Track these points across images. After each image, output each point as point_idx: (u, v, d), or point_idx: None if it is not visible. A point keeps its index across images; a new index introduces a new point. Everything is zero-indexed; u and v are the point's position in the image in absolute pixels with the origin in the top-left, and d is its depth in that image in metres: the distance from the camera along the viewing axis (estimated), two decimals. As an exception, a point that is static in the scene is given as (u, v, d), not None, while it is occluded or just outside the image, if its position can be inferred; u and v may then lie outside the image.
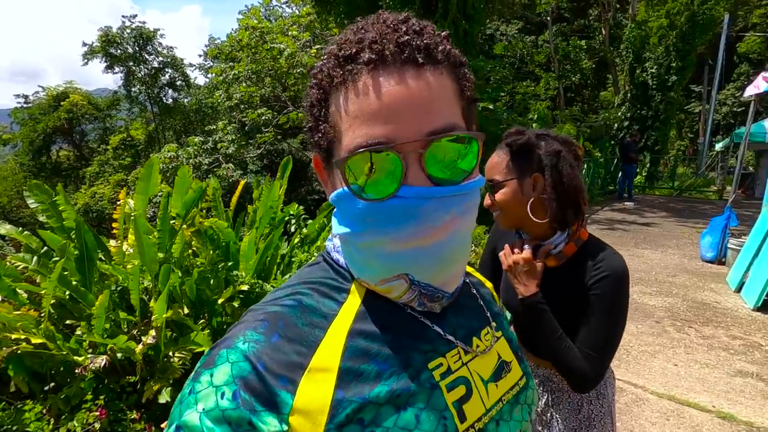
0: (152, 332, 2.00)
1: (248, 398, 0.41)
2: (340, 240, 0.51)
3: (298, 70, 11.55)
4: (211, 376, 0.42)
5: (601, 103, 21.88)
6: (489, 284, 0.72)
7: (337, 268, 0.54)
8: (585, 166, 11.16)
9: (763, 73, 4.38)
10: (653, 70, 13.46)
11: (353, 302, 0.51)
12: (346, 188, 0.45)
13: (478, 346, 0.56)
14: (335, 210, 0.52)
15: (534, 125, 9.03)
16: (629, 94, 14.18)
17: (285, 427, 0.41)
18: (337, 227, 0.50)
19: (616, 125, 14.59)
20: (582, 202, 1.10)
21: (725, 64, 16.02)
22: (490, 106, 8.51)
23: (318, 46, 12.58)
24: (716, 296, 4.59)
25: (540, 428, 1.22)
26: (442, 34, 0.47)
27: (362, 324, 0.49)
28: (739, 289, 4.64)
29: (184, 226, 2.43)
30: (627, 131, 13.63)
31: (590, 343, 1.03)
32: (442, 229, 0.44)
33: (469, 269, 0.68)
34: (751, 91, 4.63)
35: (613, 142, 14.07)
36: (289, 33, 12.25)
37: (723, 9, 13.25)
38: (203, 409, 0.40)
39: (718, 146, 14.69)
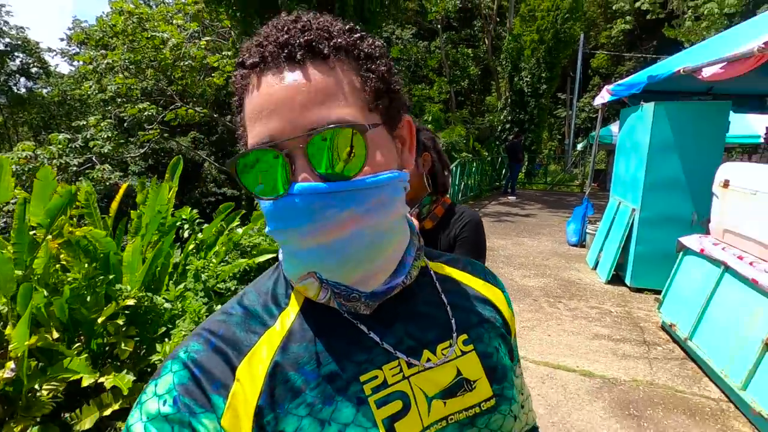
0: (10, 364, 1.72)
1: (187, 402, 0.43)
2: None
3: (186, 63, 10.66)
4: (156, 386, 0.45)
5: (487, 107, 24.06)
6: (493, 294, 0.62)
7: (284, 273, 0.53)
8: (474, 164, 12.21)
9: (606, 86, 5.25)
10: (528, 79, 15.22)
11: (292, 308, 0.51)
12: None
13: (428, 360, 0.51)
14: None
15: (429, 126, 9.58)
16: (509, 100, 15.84)
17: (221, 430, 0.43)
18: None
19: (500, 127, 16.19)
20: (449, 172, 1.42)
21: (582, 76, 18.77)
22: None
23: (208, 38, 11.74)
24: (579, 274, 5.41)
25: None
26: (344, 27, 0.46)
27: (297, 331, 0.49)
28: (595, 267, 5.51)
29: (49, 237, 2.13)
30: (509, 132, 15.22)
31: None
32: (340, 227, 0.43)
33: (462, 276, 0.62)
34: (599, 100, 5.53)
35: (498, 142, 15.61)
36: (174, 22, 11.23)
37: (579, 29, 15.51)
38: (147, 416, 0.43)
39: (579, 147, 17.36)
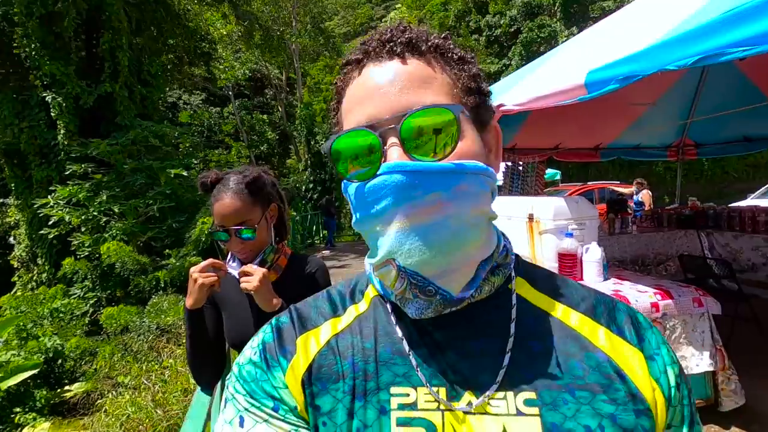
0: None
1: (267, 356, 0.50)
2: None
3: None
4: (253, 341, 0.53)
5: (289, 169, 24.82)
6: (621, 353, 0.46)
7: (369, 273, 0.53)
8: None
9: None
10: (323, 142, 16.53)
11: (363, 304, 0.54)
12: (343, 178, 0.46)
13: (469, 404, 0.43)
14: None
15: (233, 190, 9.19)
16: (309, 162, 16.77)
17: (285, 383, 0.48)
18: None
19: (303, 187, 16.83)
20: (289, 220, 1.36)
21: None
22: (184, 173, 8.11)
23: None
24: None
25: None
26: (440, 34, 0.50)
27: (357, 325, 0.51)
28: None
29: None
30: (313, 192, 15.96)
31: None
32: (425, 211, 0.42)
33: (569, 316, 0.48)
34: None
35: (303, 201, 16.13)
36: None
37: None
38: (243, 359, 0.51)
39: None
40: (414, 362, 0.46)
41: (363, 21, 32.11)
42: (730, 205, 5.82)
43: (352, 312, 0.53)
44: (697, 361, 2.29)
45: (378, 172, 0.43)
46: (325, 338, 0.51)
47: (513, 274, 0.51)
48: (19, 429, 5.30)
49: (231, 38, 16.84)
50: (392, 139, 0.43)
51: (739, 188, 17.06)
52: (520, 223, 3.11)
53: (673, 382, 0.45)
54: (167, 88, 13.36)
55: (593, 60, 2.27)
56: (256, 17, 15.85)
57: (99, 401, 5.00)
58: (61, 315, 6.97)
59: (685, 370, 2.05)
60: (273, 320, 0.55)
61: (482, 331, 0.47)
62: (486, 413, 0.43)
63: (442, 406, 0.44)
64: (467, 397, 0.44)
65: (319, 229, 14.87)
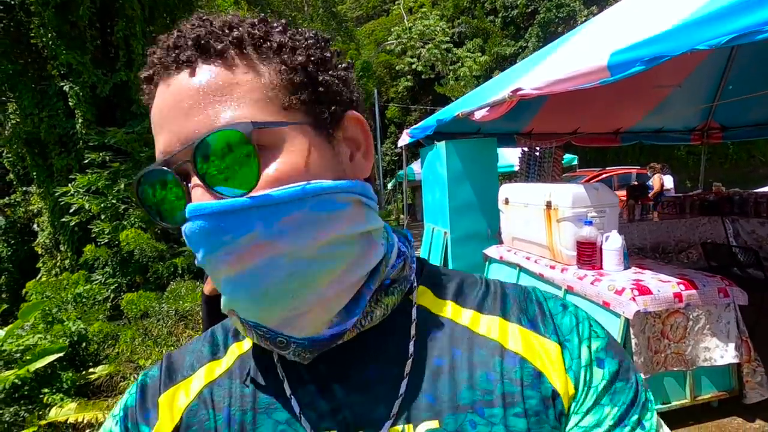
0: None
1: (127, 425, 0.43)
2: None
3: None
4: (117, 404, 0.46)
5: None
6: (535, 351, 0.41)
7: None
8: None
9: (406, 130, 6.03)
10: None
11: (245, 344, 0.46)
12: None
13: None
14: None
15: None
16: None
17: None
18: None
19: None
20: None
21: (381, 125, 21.41)
22: (199, 161, 8.17)
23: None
24: (413, 299, 5.87)
25: None
26: (254, 20, 0.39)
27: (237, 367, 0.44)
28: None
29: None
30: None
31: None
32: (243, 257, 0.34)
33: (478, 322, 0.43)
34: (401, 142, 6.31)
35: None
36: None
37: (372, 86, 17.78)
38: (103, 430, 0.44)
39: (389, 186, 19.49)
40: (296, 407, 0.40)
41: (375, 4, 31.56)
42: (756, 191, 5.61)
43: (234, 351, 0.46)
44: (722, 353, 2.22)
45: (186, 214, 0.35)
46: (197, 389, 0.44)
47: (415, 283, 0.44)
48: (48, 409, 5.53)
49: (243, 24, 16.77)
50: (192, 174, 0.36)
51: (766, 173, 16.47)
52: (538, 210, 3.04)
53: (584, 362, 0.40)
54: (181, 76, 13.43)
55: (616, 41, 2.17)
56: (268, 2, 15.72)
57: (122, 383, 5.18)
58: (84, 300, 7.18)
59: (707, 362, 1.96)
60: (141, 375, 0.47)
61: (377, 355, 0.41)
62: None
63: None
64: None
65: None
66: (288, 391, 0.41)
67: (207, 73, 0.36)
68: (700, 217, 4.82)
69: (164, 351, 5.18)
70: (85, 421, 5.13)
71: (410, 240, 0.49)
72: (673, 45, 1.78)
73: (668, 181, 8.31)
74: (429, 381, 0.40)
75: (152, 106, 0.39)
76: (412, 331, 0.41)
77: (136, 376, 4.95)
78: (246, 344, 0.46)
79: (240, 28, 0.38)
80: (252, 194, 0.35)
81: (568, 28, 18.64)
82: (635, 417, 0.38)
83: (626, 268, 2.53)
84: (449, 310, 0.44)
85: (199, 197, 0.35)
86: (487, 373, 0.39)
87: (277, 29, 0.40)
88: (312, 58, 0.39)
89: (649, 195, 7.10)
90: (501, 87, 3.47)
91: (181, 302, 5.73)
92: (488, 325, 0.42)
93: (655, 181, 8.00)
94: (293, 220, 0.35)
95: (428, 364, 0.40)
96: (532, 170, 5.71)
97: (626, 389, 0.39)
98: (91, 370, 6.26)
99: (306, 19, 17.74)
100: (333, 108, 0.41)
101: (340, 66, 0.43)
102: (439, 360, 0.41)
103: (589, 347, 0.40)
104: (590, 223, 2.57)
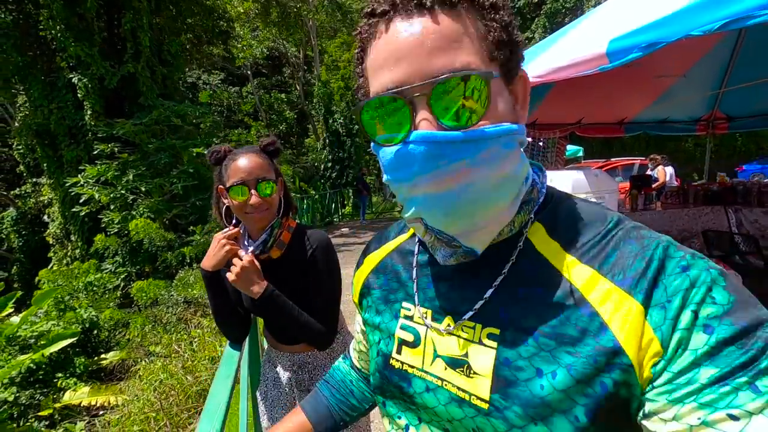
0: None
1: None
2: None
3: None
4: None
5: (308, 148, 24.94)
6: (611, 307, 0.43)
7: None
8: (305, 203, 12.38)
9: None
10: (341, 121, 16.46)
11: (402, 238, 0.67)
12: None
13: (448, 326, 0.53)
14: None
15: (253, 169, 9.33)
16: (327, 140, 16.79)
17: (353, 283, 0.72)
18: None
19: (322, 166, 16.92)
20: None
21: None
22: (205, 152, 8.27)
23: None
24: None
25: None
26: None
27: (396, 252, 0.66)
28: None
29: None
30: (332, 171, 16.05)
31: (320, 304, 1.19)
32: (451, 179, 0.43)
33: (571, 266, 0.47)
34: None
35: (322, 180, 16.25)
36: None
37: (377, 77, 17.69)
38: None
39: (394, 178, 19.51)
40: (415, 287, 0.59)
41: (381, -5, 31.28)
42: (760, 180, 5.61)
43: (399, 241, 0.67)
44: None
45: (407, 140, 0.44)
46: (375, 260, 0.69)
47: (532, 217, 0.52)
48: (62, 392, 5.70)
49: (248, 16, 16.75)
50: (422, 106, 0.43)
51: (774, 164, 16.28)
52: (538, 197, 3.10)
53: (683, 325, 0.40)
54: (186, 68, 13.49)
55: (615, 28, 2.21)
56: (273, -7, 15.69)
57: (133, 368, 5.33)
58: (94, 288, 7.35)
59: None
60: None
61: (482, 269, 0.52)
62: (456, 336, 0.52)
63: (428, 322, 0.55)
64: (447, 320, 0.54)
65: (338, 207, 14.99)
66: (414, 276, 0.60)
67: (446, 19, 0.43)
68: (703, 207, 4.83)
69: (174, 337, 5.31)
70: (98, 404, 5.30)
71: (543, 170, 0.57)
72: (669, 31, 1.81)
73: (668, 172, 8.31)
74: (508, 301, 0.49)
75: (378, 39, 0.46)
76: (513, 257, 0.50)
77: (146, 361, 5.08)
78: (402, 238, 0.67)
79: None
80: (469, 129, 0.43)
81: (575, 18, 18.46)
82: (742, 379, 0.37)
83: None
84: (552, 250, 0.49)
85: (426, 127, 0.43)
86: (557, 313, 0.46)
87: None
88: (509, 20, 0.47)
89: (654, 186, 7.11)
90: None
91: (189, 290, 5.85)
92: (580, 274, 0.46)
93: (660, 173, 7.99)
94: (490, 152, 0.44)
95: (513, 289, 0.50)
96: (535, 160, 5.74)
97: (738, 353, 0.37)
98: (103, 355, 6.42)
99: (311, 10, 17.71)
100: (517, 66, 0.49)
101: (517, 25, 0.49)
102: (522, 289, 0.49)
103: (696, 312, 0.40)
104: (589, 208, 2.63)
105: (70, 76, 8.08)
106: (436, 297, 0.55)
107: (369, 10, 0.47)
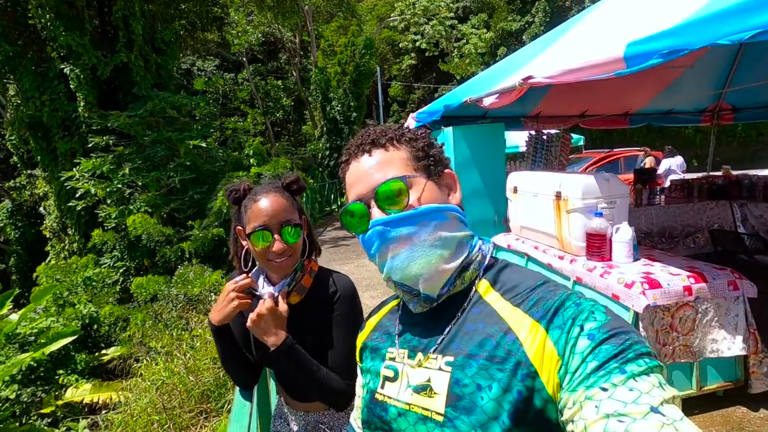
0: None
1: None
2: None
3: None
4: None
5: (305, 136, 24.67)
6: (527, 331, 0.60)
7: None
8: (305, 194, 12.27)
9: (411, 114, 5.95)
10: (338, 108, 16.23)
11: (393, 303, 0.84)
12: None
13: (420, 360, 0.69)
14: None
15: (252, 160, 9.21)
16: (325, 128, 16.58)
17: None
18: None
19: (320, 155, 16.74)
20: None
21: (384, 104, 21.11)
22: (203, 144, 8.13)
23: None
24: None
25: None
26: (395, 127, 0.75)
27: (387, 315, 0.83)
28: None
29: None
30: (329, 159, 15.87)
31: (338, 359, 1.10)
32: (399, 245, 0.66)
33: (503, 307, 0.65)
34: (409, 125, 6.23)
35: (320, 169, 16.07)
36: None
37: (375, 63, 17.41)
38: None
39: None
40: (397, 335, 0.76)
41: (378, -23, 30.59)
42: (766, 173, 5.54)
43: (392, 304, 0.84)
44: (729, 345, 2.24)
45: (369, 227, 0.68)
46: (374, 323, 0.84)
47: (481, 275, 0.71)
48: (63, 389, 5.69)
49: (243, 0, 16.34)
50: (372, 205, 0.68)
51: (774, 151, 16.23)
52: (547, 200, 3.03)
53: (573, 336, 0.55)
54: (180, 54, 13.18)
55: (633, 30, 2.10)
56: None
57: (134, 366, 5.31)
58: (93, 283, 7.29)
59: (714, 354, 1.98)
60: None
61: (443, 315, 0.70)
62: (423, 367, 0.68)
63: (404, 360, 0.71)
64: (419, 356, 0.69)
65: (337, 197, 14.88)
66: (397, 327, 0.76)
67: (378, 154, 0.71)
68: (708, 202, 4.76)
69: (175, 334, 5.28)
70: (100, 402, 5.29)
71: (489, 243, 0.75)
72: (694, 38, 1.72)
73: (676, 163, 8.18)
74: (459, 336, 0.66)
75: (347, 172, 0.73)
76: (464, 306, 0.69)
77: (148, 359, 5.06)
78: (391, 304, 0.84)
79: (390, 133, 0.72)
80: (404, 212, 0.66)
81: (575, 3, 18.07)
82: (614, 365, 0.50)
83: (635, 260, 2.53)
84: (493, 297, 0.67)
85: (377, 215, 0.67)
86: (492, 341, 0.62)
87: (407, 133, 0.73)
88: (425, 143, 0.73)
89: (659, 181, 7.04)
90: (510, 72, 3.40)
91: (190, 287, 5.80)
92: (510, 313, 0.64)
93: (648, 164, 7.92)
94: (422, 223, 0.66)
95: (464, 327, 0.67)
96: (539, 154, 5.64)
97: (611, 349, 0.51)
98: (103, 351, 6.39)
99: (307, -6, 17.29)
100: (437, 167, 0.73)
101: (437, 146, 0.76)
102: (470, 326, 0.66)
103: (582, 326, 0.55)
104: (600, 214, 2.55)
105: (62, 66, 7.87)
106: (411, 339, 0.72)
107: (341, 160, 0.76)
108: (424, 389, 0.65)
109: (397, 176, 0.67)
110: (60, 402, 5.46)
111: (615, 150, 9.39)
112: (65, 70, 7.85)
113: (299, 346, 1.06)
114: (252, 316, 1.03)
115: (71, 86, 7.93)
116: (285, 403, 1.27)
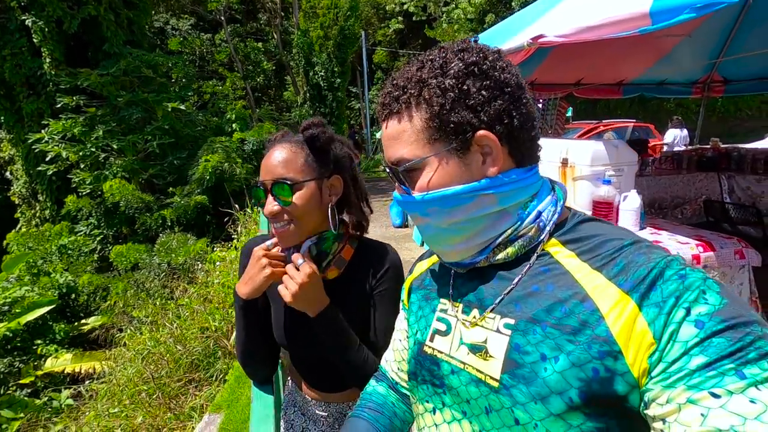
0: None
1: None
2: None
3: None
4: None
5: (286, 103, 23.87)
6: (612, 303, 0.50)
7: None
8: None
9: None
10: (322, 74, 15.66)
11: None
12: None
13: (475, 317, 0.63)
14: None
15: (234, 125, 8.83)
16: (308, 95, 16.03)
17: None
18: None
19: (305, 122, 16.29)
20: (368, 205, 1.06)
21: (368, 70, 20.48)
22: (181, 107, 7.71)
23: None
24: (411, 253, 5.87)
25: None
26: (428, 67, 0.60)
27: (438, 264, 0.76)
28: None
29: None
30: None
31: (380, 342, 0.99)
32: (418, 222, 0.66)
33: (582, 271, 0.55)
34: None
35: (304, 137, 15.69)
36: None
37: (359, 27, 16.74)
38: None
39: (377, 135, 18.97)
40: (451, 286, 0.69)
41: (363, -66, 29.06)
42: (754, 146, 5.63)
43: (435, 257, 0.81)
44: (730, 312, 2.27)
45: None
46: (426, 267, 0.80)
47: (544, 238, 0.60)
48: (42, 359, 5.53)
49: (219, -47, 15.27)
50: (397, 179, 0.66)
51: (751, 126, 16.62)
52: (552, 167, 2.95)
53: (676, 320, 0.46)
54: (153, 11, 12.34)
55: (660, -18, 1.98)
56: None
57: (118, 335, 5.17)
58: (69, 252, 6.99)
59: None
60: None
61: (499, 275, 0.63)
62: (479, 326, 0.62)
63: (458, 315, 0.66)
64: (474, 312, 0.64)
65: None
66: (451, 279, 0.70)
67: (391, 126, 0.63)
68: (697, 173, 4.82)
69: (159, 303, 5.13)
70: (83, 372, 5.16)
71: (558, 207, 0.62)
72: (732, -11, 1.61)
73: (681, 135, 8.22)
74: (523, 297, 0.58)
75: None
76: (528, 267, 0.60)
77: (132, 329, 4.92)
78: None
79: (410, 86, 0.60)
80: (413, 194, 0.62)
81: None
82: (729, 366, 0.42)
83: (642, 228, 2.50)
84: (567, 258, 0.58)
85: (398, 191, 0.67)
86: (563, 307, 0.54)
87: (439, 79, 0.58)
88: (455, 96, 0.58)
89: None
90: (517, 29, 3.23)
91: (174, 255, 5.61)
92: (588, 277, 0.54)
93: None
94: (433, 210, 0.62)
95: (528, 287, 0.59)
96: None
97: (726, 344, 0.42)
98: (83, 321, 6.21)
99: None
100: (467, 129, 0.58)
101: (488, 85, 0.58)
102: (536, 287, 0.58)
103: (688, 309, 0.46)
104: (609, 182, 2.50)
105: (23, 17, 7.22)
106: (466, 293, 0.66)
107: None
108: (479, 350, 0.60)
109: (407, 158, 0.61)
110: (39, 372, 5.31)
111: (604, 121, 9.38)
112: (27, 22, 7.21)
113: (340, 314, 0.94)
114: (292, 288, 0.88)
115: (35, 40, 7.31)
116: (299, 392, 1.13)
